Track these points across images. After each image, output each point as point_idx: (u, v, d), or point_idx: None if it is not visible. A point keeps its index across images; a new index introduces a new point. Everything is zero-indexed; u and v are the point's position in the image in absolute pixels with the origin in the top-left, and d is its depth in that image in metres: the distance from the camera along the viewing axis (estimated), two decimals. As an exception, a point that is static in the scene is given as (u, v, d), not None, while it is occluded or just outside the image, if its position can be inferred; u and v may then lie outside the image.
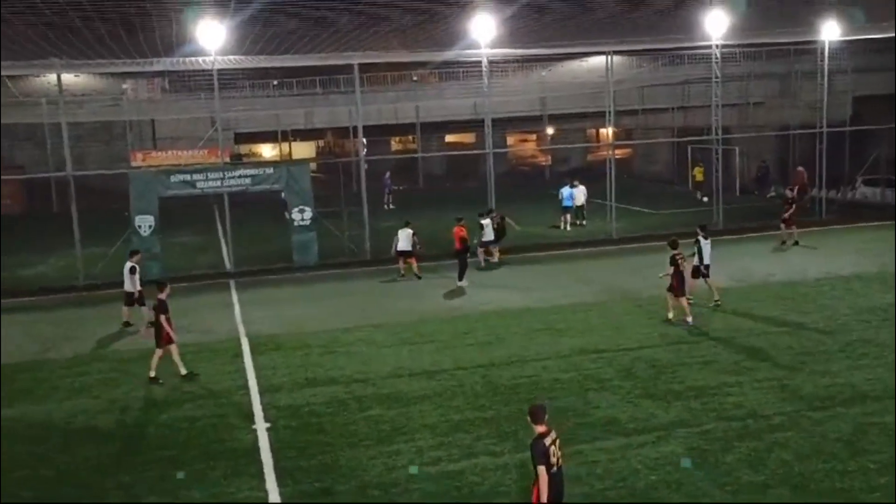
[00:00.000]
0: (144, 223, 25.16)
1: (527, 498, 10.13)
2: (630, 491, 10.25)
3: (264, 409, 13.60)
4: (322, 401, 13.91)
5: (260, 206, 34.40)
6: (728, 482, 10.31)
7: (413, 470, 11.02)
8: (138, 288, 19.15)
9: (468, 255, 22.99)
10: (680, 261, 17.67)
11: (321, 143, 66.86)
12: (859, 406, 12.54)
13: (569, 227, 31.07)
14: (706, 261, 19.01)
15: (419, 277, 23.38)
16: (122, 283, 19.37)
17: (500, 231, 25.50)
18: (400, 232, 23.70)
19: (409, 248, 23.55)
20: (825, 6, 27.59)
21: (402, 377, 14.95)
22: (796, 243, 25.46)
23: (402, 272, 23.81)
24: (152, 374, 15.25)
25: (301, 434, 12.52)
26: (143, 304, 18.84)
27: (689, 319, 17.30)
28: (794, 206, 25.78)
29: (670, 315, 17.76)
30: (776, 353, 15.36)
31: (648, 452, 11.25)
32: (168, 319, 15.19)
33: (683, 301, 17.65)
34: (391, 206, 40.05)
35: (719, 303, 18.79)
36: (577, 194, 31.81)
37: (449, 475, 10.90)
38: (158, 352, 15.28)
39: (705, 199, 35.37)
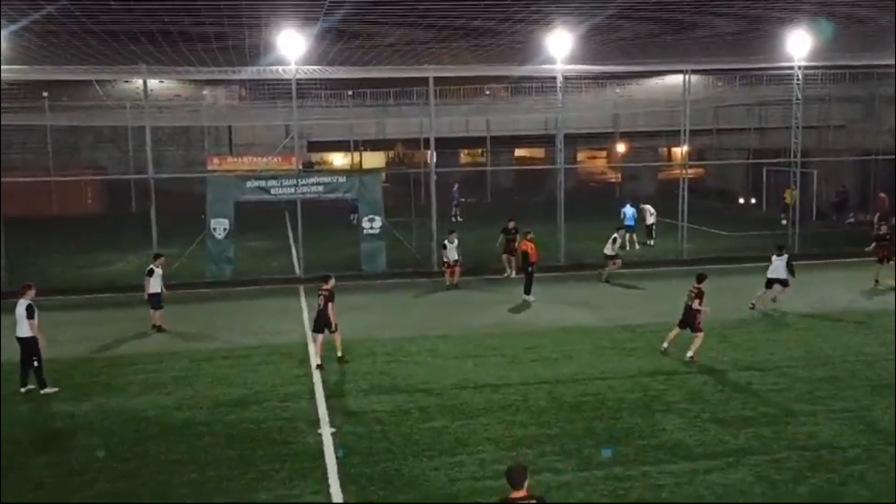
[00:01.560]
0: (220, 226, 25.77)
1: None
2: (696, 517, 10.06)
3: (330, 414, 13.76)
4: (386, 408, 14.01)
5: (330, 213, 34.91)
6: (799, 514, 10.04)
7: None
8: (156, 290, 19.67)
9: (534, 269, 22.77)
10: (693, 293, 16.65)
11: (391, 153, 67.54)
12: (941, 443, 12.07)
13: (637, 247, 30.66)
14: (771, 275, 20.58)
15: (456, 286, 24.07)
16: (195, 285, 19.88)
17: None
18: (447, 243, 24.34)
19: (458, 258, 24.21)
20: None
21: (467, 389, 14.96)
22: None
23: (449, 282, 24.30)
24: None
25: (365, 440, 12.62)
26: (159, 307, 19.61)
27: (690, 354, 16.39)
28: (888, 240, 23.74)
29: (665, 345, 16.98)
30: (854, 382, 14.90)
31: (716, 479, 11.02)
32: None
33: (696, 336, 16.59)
34: (459, 219, 40.16)
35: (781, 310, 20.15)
36: (646, 214, 31.42)
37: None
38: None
39: (783, 221, 34.61)
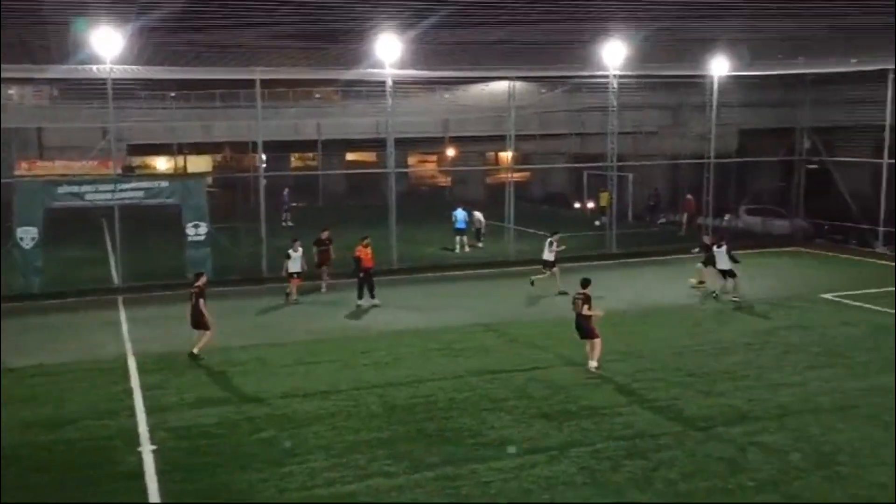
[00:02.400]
0: (27, 235, 24.05)
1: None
2: (522, 511, 10.37)
3: (151, 431, 13.13)
4: (213, 422, 13.54)
5: (155, 220, 33.25)
6: (617, 501, 10.55)
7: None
8: None
9: (369, 274, 22.58)
10: (579, 300, 16.12)
11: (218, 157, 65.54)
12: (740, 426, 13.06)
13: (467, 249, 31.34)
14: (721, 266, 22.29)
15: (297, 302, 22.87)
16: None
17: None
18: (291, 252, 22.97)
19: (302, 269, 22.98)
20: (715, 44, 28.92)
21: (297, 397, 14.71)
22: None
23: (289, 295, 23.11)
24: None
25: (190, 456, 12.13)
26: None
27: (594, 364, 16.03)
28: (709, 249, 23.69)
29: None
30: (665, 374, 15.86)
31: (541, 472, 11.40)
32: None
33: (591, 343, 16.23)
34: (289, 224, 39.52)
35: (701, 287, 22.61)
36: (474, 218, 32.21)
37: (342, 497, 10.77)
38: None
39: (598, 223, 36.70)
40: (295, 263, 22.89)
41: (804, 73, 32.71)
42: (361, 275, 22.14)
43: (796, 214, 34.69)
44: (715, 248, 22.59)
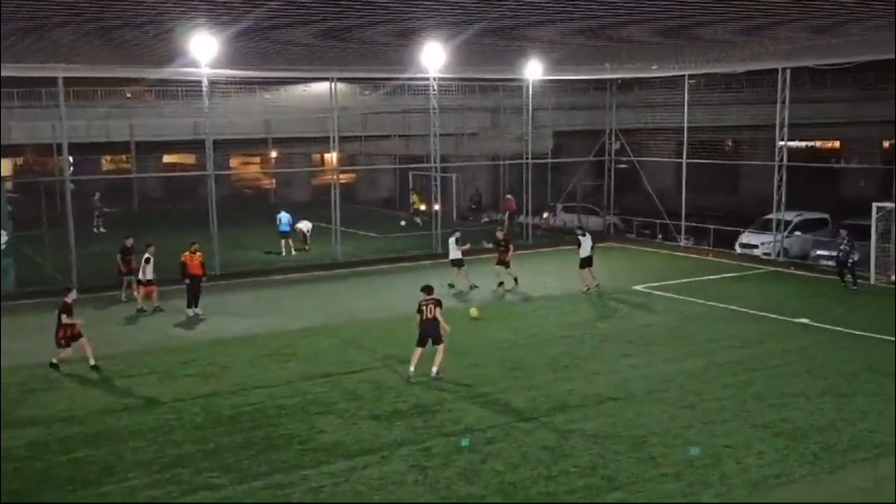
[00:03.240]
0: None
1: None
2: (355, 513, 10.33)
3: (-53, 459, 12.02)
4: (19, 444, 12.57)
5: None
6: (447, 496, 10.73)
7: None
8: None
9: (197, 282, 21.42)
10: (431, 305, 15.61)
11: (19, 160, 60.93)
12: (562, 414, 13.65)
13: (293, 252, 30.87)
14: (583, 254, 23.80)
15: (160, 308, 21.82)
16: None
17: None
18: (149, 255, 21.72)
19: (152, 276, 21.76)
20: (530, 49, 30.02)
21: (114, 412, 13.94)
22: (515, 280, 24.06)
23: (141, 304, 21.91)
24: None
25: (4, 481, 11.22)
26: None
27: (436, 369, 15.56)
28: (508, 247, 24.28)
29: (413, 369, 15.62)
30: (491, 369, 16.30)
31: (372, 473, 11.42)
32: None
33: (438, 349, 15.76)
34: (102, 230, 37.42)
35: (597, 289, 23.46)
36: (300, 223, 31.80)
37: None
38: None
39: (411, 222, 38.39)
40: (149, 271, 21.64)
41: (611, 79, 34.69)
42: (187, 282, 21.21)
43: (608, 211, 36.71)
44: (581, 237, 24.32)
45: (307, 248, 31.62)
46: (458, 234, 24.63)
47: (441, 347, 15.69)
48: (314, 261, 29.37)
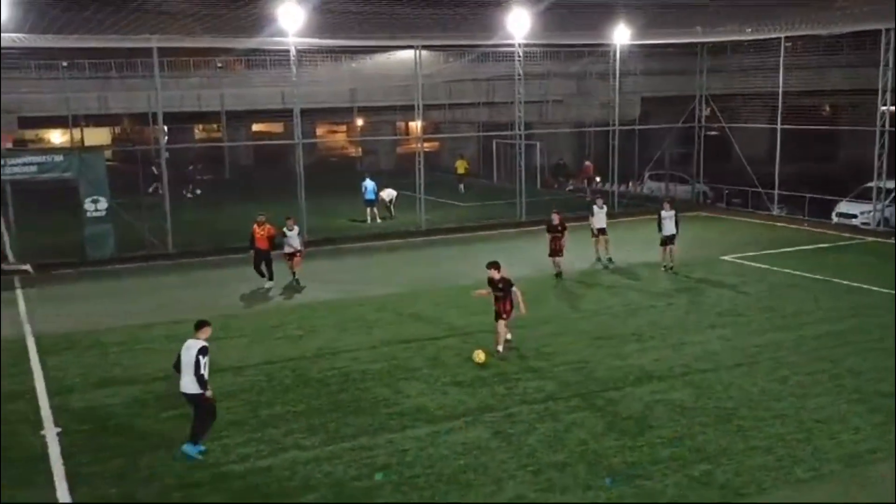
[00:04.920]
0: None
1: (337, 493, 10.13)
2: (438, 476, 10.46)
3: (54, 413, 12.69)
4: (119, 402, 13.18)
5: (56, 196, 31.80)
6: (530, 462, 10.77)
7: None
8: None
9: (262, 255, 21.02)
10: (494, 274, 15.11)
11: (117, 129, 63.21)
12: (647, 385, 13.49)
13: (378, 220, 31.20)
14: (665, 232, 21.93)
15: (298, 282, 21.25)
16: None
17: None
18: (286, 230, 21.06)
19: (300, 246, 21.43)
20: (618, 13, 29.36)
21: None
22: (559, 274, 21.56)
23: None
24: None
25: (96, 437, 11.80)
26: None
27: (500, 348, 15.22)
28: (564, 232, 21.31)
29: (499, 347, 15.21)
30: (574, 338, 16.21)
31: (457, 438, 11.54)
32: None
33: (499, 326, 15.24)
34: (197, 192, 38.71)
35: (672, 269, 21.73)
36: (384, 192, 32.02)
37: (257, 472, 10.66)
38: None
39: (462, 190, 38.48)
40: (294, 241, 21.27)
41: (702, 42, 33.62)
42: (252, 253, 20.87)
43: (697, 179, 35.80)
44: (662, 211, 22.20)
45: (392, 216, 31.91)
46: (600, 201, 23.51)
47: (509, 320, 15.14)
48: (398, 229, 29.63)
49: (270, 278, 21.17)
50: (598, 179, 38.61)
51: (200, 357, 10.93)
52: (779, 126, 31.57)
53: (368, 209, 31.33)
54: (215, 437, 11.67)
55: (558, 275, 21.50)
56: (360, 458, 10.99)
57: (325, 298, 19.85)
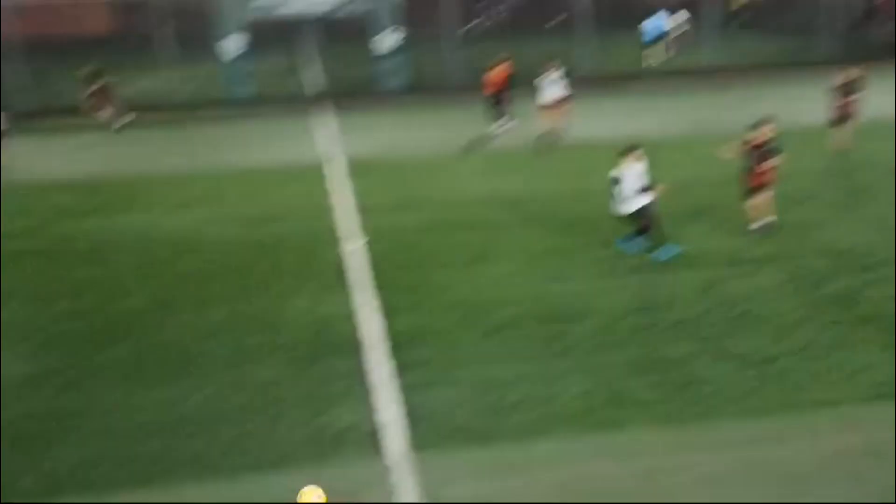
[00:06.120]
0: (230, 45, 24.91)
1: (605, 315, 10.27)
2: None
3: (361, 228, 13.86)
4: (413, 224, 14.14)
5: (351, 30, 33.12)
6: (816, 314, 10.17)
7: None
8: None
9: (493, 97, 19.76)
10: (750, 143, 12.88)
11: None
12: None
13: (657, 60, 29.09)
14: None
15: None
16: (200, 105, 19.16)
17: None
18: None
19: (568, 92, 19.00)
20: None
21: (491, 204, 15.03)
22: None
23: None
24: None
25: (395, 252, 12.83)
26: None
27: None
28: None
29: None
30: (878, 192, 14.72)
31: (740, 283, 11.19)
32: None
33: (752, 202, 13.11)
34: (487, 23, 38.50)
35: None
36: (669, 23, 29.75)
37: (532, 298, 11.05)
38: None
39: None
40: (554, 88, 18.90)
41: None
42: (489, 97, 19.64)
43: None
44: None
45: (670, 54, 29.69)
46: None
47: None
48: (681, 66, 27.82)
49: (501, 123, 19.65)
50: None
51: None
52: None
53: (646, 51, 29.15)
54: (493, 262, 12.23)
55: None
56: (635, 295, 11.07)
57: (606, 136, 18.65)
